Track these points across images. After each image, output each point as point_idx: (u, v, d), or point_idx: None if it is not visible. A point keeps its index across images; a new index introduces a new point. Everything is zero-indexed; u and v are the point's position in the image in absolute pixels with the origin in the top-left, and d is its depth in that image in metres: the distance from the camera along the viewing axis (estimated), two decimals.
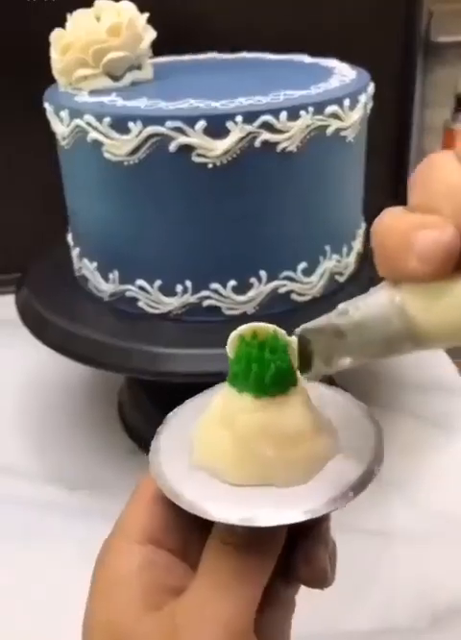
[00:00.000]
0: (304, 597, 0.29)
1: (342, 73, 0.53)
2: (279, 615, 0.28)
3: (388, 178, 0.91)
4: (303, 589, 0.30)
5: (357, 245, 0.57)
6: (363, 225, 0.58)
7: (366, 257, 0.59)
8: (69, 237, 0.58)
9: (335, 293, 0.54)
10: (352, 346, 0.21)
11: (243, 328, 0.26)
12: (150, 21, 0.52)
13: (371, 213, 0.60)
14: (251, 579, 0.25)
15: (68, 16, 0.51)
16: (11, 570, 0.50)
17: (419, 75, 0.91)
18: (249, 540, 0.25)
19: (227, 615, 0.24)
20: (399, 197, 0.82)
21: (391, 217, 0.20)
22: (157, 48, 0.54)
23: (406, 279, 0.19)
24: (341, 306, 0.22)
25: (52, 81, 0.53)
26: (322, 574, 0.27)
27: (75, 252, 0.56)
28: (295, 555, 0.27)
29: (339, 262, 0.54)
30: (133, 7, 0.51)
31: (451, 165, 0.19)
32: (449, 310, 0.19)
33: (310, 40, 0.71)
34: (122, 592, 0.26)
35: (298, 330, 0.24)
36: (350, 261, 0.55)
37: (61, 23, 0.50)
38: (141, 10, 0.51)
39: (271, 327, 0.26)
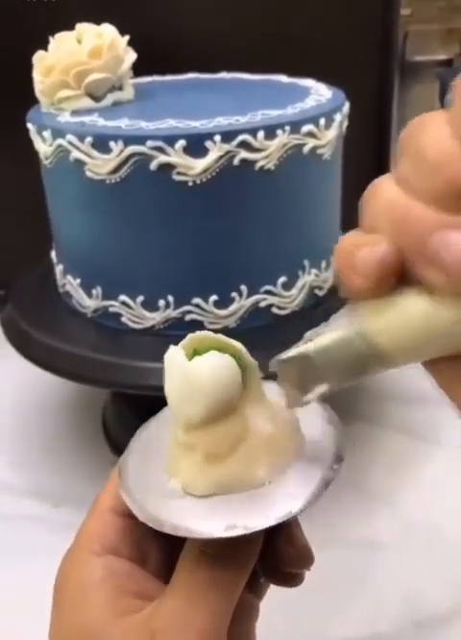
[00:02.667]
0: (290, 606, 0.29)
1: (318, 93, 0.55)
2: (248, 623, 0.29)
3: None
4: (288, 599, 0.30)
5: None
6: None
7: None
8: (53, 254, 0.59)
9: (315, 307, 0.56)
10: (323, 372, 0.22)
11: (183, 342, 0.26)
12: (130, 42, 0.53)
13: (348, 228, 0.61)
14: (227, 588, 0.25)
15: (51, 39, 0.52)
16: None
17: (396, 93, 0.93)
18: (227, 548, 0.25)
19: (203, 623, 0.24)
20: None
21: (345, 239, 0.21)
22: (138, 68, 0.55)
23: (356, 297, 0.20)
24: (307, 334, 0.22)
25: (34, 100, 0.54)
26: (306, 550, 0.28)
27: (58, 268, 0.57)
28: (275, 544, 0.28)
29: (318, 276, 0.55)
30: (113, 29, 0.52)
31: (388, 185, 0.20)
32: (403, 329, 0.19)
33: (288, 60, 0.73)
34: (89, 600, 0.26)
35: (272, 362, 0.24)
36: (328, 276, 0.57)
37: (44, 45, 0.52)
38: (122, 32, 0.53)
39: (210, 336, 0.26)
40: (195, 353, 0.26)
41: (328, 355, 0.21)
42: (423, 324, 0.19)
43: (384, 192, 0.20)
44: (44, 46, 0.52)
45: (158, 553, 0.29)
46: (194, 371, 0.25)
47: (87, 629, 0.26)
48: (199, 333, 0.26)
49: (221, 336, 0.26)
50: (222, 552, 0.25)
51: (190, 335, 0.26)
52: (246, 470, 0.25)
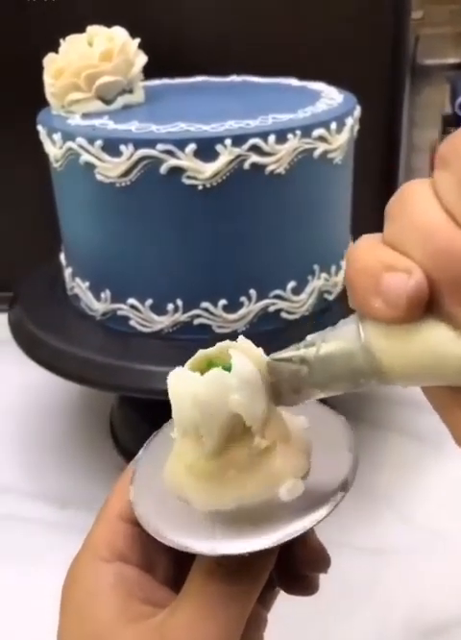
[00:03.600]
0: (296, 613, 0.29)
1: (329, 96, 0.54)
2: (256, 634, 0.29)
3: (377, 197, 0.93)
4: (294, 606, 0.30)
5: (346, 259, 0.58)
6: (351, 244, 0.59)
7: None
8: (62, 256, 0.59)
9: (324, 311, 0.55)
10: (318, 378, 0.21)
11: (192, 360, 0.25)
12: (140, 45, 0.53)
13: (359, 232, 0.61)
14: (241, 600, 0.25)
15: (61, 41, 0.52)
16: (2, 587, 0.50)
17: (407, 96, 0.93)
18: (240, 563, 0.25)
19: (217, 635, 0.24)
20: None
21: (363, 249, 0.19)
22: (148, 71, 0.55)
23: (372, 318, 0.19)
24: (309, 337, 0.22)
25: (45, 102, 0.54)
26: (322, 552, 0.28)
27: (67, 271, 0.57)
28: (290, 549, 0.27)
29: (328, 281, 0.55)
30: (125, 32, 0.52)
31: (425, 202, 0.18)
32: (412, 354, 0.19)
33: (299, 63, 0.73)
34: (100, 606, 0.26)
35: (268, 358, 0.23)
36: (338, 280, 0.56)
37: (54, 47, 0.52)
38: (132, 34, 0.53)
39: (223, 350, 0.24)
40: (210, 365, 0.24)
41: (328, 364, 0.21)
42: (434, 355, 0.18)
43: (423, 210, 0.18)
44: (55, 48, 0.52)
45: (167, 561, 0.28)
46: (204, 399, 0.23)
47: (98, 635, 0.25)
48: (208, 351, 0.25)
49: (234, 349, 0.24)
50: (235, 565, 0.25)
51: (200, 354, 0.25)
52: (259, 484, 0.25)
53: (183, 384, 0.24)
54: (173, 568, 0.29)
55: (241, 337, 0.25)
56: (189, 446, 0.25)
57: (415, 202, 0.18)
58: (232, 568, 0.25)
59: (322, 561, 0.28)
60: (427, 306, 0.18)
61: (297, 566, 0.28)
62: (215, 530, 0.24)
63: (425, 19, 0.94)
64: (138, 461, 0.29)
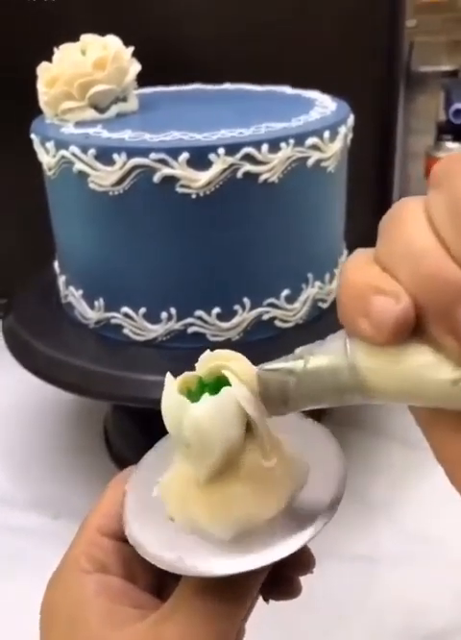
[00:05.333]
0: (291, 622, 0.29)
1: (323, 105, 0.54)
2: None
3: (371, 204, 0.93)
4: (289, 615, 0.30)
5: (340, 272, 0.58)
6: (345, 252, 0.60)
7: None
8: (55, 265, 0.59)
9: (318, 319, 0.55)
10: (305, 391, 0.22)
11: (184, 378, 0.25)
12: (134, 53, 0.53)
13: (353, 241, 0.61)
14: (231, 616, 0.25)
15: (55, 50, 0.52)
16: None
17: (401, 103, 0.93)
18: (230, 582, 0.25)
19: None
20: None
21: (355, 267, 0.19)
22: (140, 77, 0.55)
23: (359, 337, 0.19)
24: (298, 350, 0.22)
25: (38, 109, 0.54)
26: (306, 553, 0.28)
27: (61, 279, 0.57)
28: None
29: (321, 289, 0.55)
30: (118, 41, 0.52)
31: (417, 224, 0.18)
32: (396, 375, 0.19)
33: (293, 71, 0.73)
34: (88, 613, 0.26)
35: (257, 369, 0.23)
36: (332, 288, 0.56)
37: (47, 55, 0.52)
38: (124, 41, 0.52)
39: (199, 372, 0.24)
40: (200, 389, 0.24)
41: (315, 377, 0.21)
42: (417, 377, 0.19)
43: (413, 233, 0.18)
44: (48, 56, 0.51)
45: (147, 573, 0.28)
46: (202, 428, 0.23)
47: None
48: (195, 373, 0.25)
49: (224, 369, 0.24)
50: (225, 584, 0.25)
51: (182, 377, 0.25)
52: (249, 505, 0.25)
53: (184, 411, 0.23)
54: (154, 577, 0.29)
55: (231, 352, 0.25)
56: (183, 464, 0.25)
57: (407, 223, 0.18)
58: (220, 585, 0.25)
59: (306, 563, 0.28)
60: (414, 328, 0.18)
61: (281, 569, 0.28)
62: (205, 550, 0.24)
63: (420, 27, 0.94)
64: (132, 478, 0.29)
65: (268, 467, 0.25)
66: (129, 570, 0.28)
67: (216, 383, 0.24)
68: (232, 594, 0.25)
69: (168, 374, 0.24)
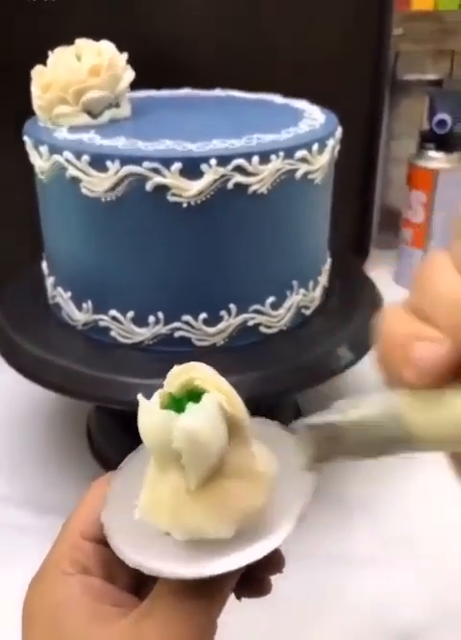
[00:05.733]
0: (269, 622, 0.30)
1: (311, 117, 0.56)
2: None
3: (355, 210, 0.94)
4: (267, 614, 0.31)
5: (323, 280, 0.59)
6: (328, 260, 0.61)
7: (331, 290, 0.61)
8: (44, 266, 0.59)
9: (302, 326, 0.57)
10: (348, 445, 0.22)
11: (155, 398, 0.26)
12: (126, 55, 0.53)
13: (336, 247, 0.63)
14: (208, 610, 0.26)
15: (49, 53, 0.52)
16: None
17: (386, 110, 0.95)
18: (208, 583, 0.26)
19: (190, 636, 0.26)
20: (365, 229, 0.85)
21: (391, 321, 0.20)
22: (134, 81, 0.55)
23: (403, 387, 0.20)
24: (338, 403, 0.22)
25: (28, 109, 0.53)
26: (278, 556, 0.29)
27: (49, 280, 0.58)
28: None
29: (305, 296, 0.56)
30: (112, 47, 0.52)
31: (446, 274, 0.19)
32: (441, 424, 0.19)
33: (282, 77, 0.74)
34: (71, 614, 0.27)
35: (296, 426, 0.24)
36: (315, 295, 0.58)
37: (41, 55, 0.52)
38: (118, 46, 0.53)
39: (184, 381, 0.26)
40: (174, 403, 0.25)
41: (360, 431, 0.21)
42: None
43: (444, 282, 0.19)
44: (40, 57, 0.52)
45: (128, 573, 0.30)
46: (199, 436, 0.24)
47: None
48: (170, 385, 0.26)
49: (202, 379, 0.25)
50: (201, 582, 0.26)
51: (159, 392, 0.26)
52: (242, 499, 0.25)
53: (172, 424, 0.24)
54: (132, 577, 0.30)
55: (192, 364, 0.26)
56: (167, 477, 0.25)
57: (437, 274, 0.19)
58: (196, 585, 0.26)
59: (276, 563, 0.30)
60: (456, 373, 0.19)
61: (252, 571, 0.29)
62: (188, 554, 0.26)
63: (406, 36, 0.96)
64: (114, 480, 0.30)
65: (251, 462, 0.26)
66: (108, 571, 0.29)
67: (188, 396, 0.25)
68: (208, 591, 0.26)
69: (140, 396, 0.25)
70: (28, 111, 0.54)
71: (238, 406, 0.25)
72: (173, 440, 0.24)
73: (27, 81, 0.52)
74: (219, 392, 0.25)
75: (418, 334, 0.19)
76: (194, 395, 0.25)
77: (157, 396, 0.26)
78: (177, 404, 0.25)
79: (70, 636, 0.26)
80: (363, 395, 0.22)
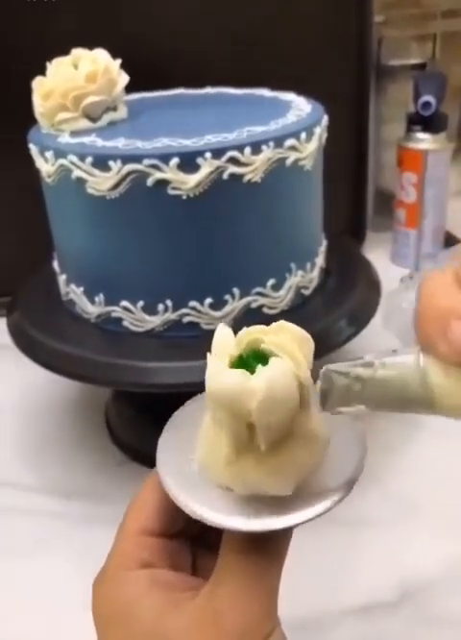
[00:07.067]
0: (285, 582, 0.32)
1: (298, 107, 0.59)
2: None
3: (348, 193, 0.97)
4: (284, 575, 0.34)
5: (320, 261, 0.62)
6: (324, 242, 0.64)
7: (329, 271, 0.65)
8: (55, 265, 0.63)
9: (302, 305, 0.60)
10: (370, 397, 0.22)
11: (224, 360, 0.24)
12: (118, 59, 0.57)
13: (331, 229, 0.66)
14: (274, 566, 0.26)
15: (48, 64, 0.55)
16: (20, 575, 0.53)
17: (373, 95, 0.97)
18: (269, 537, 0.26)
19: (264, 599, 0.26)
20: (361, 212, 0.87)
21: (436, 287, 0.20)
22: (128, 85, 0.58)
23: (435, 356, 0.21)
24: (368, 356, 0.23)
25: (31, 117, 0.57)
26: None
27: (61, 278, 0.61)
28: None
29: (304, 277, 0.59)
30: (106, 54, 0.56)
31: None
32: None
33: (269, 68, 0.77)
34: (144, 607, 0.27)
35: (323, 368, 0.24)
36: (313, 276, 0.61)
37: (41, 70, 0.55)
38: (111, 52, 0.56)
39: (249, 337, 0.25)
40: (245, 358, 0.25)
41: (383, 386, 0.22)
42: None
43: None
44: (38, 67, 0.54)
45: (191, 559, 0.30)
46: (274, 397, 0.23)
47: (150, 632, 0.26)
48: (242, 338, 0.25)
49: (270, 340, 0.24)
50: (264, 541, 0.26)
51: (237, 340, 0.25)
52: (305, 463, 0.26)
53: (247, 385, 0.23)
54: (197, 560, 0.30)
55: (262, 327, 0.25)
56: (226, 435, 0.25)
57: None
58: (261, 543, 0.26)
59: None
60: None
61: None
62: (244, 508, 0.25)
63: (388, 22, 0.98)
64: (164, 441, 0.29)
65: (311, 423, 0.25)
66: (173, 561, 0.29)
67: (254, 358, 0.24)
68: (274, 550, 0.26)
69: (209, 355, 0.24)
70: (25, 123, 0.57)
71: (306, 371, 0.24)
72: (246, 400, 0.23)
73: (21, 90, 0.55)
74: (287, 355, 0.24)
75: (458, 312, 0.20)
76: (260, 357, 0.24)
77: (224, 358, 0.24)
78: (245, 365, 0.24)
79: (147, 630, 0.26)
80: (395, 352, 0.22)
